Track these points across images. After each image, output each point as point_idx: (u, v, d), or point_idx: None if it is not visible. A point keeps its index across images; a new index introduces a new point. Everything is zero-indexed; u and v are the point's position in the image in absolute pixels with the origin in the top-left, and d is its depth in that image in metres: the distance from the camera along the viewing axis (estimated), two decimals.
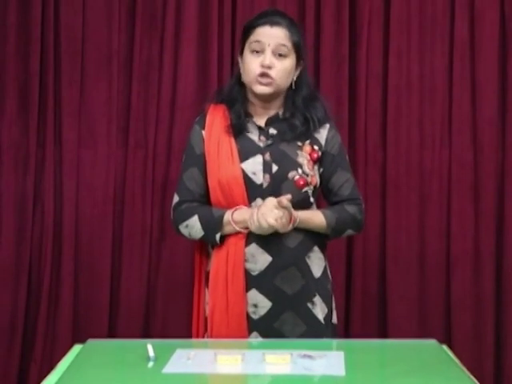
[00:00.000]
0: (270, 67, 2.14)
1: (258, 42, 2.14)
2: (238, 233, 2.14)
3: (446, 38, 3.31)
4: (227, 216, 2.14)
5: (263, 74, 2.14)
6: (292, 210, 2.09)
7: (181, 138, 3.24)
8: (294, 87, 2.22)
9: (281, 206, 2.05)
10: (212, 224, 2.15)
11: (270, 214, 2.04)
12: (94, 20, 3.30)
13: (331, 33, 3.28)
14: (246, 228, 2.12)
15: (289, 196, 2.06)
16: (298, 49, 2.18)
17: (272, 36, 2.14)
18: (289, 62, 2.17)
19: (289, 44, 2.15)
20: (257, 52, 2.15)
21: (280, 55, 2.15)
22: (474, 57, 3.29)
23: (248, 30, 2.19)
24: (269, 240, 2.12)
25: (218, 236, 2.15)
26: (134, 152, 3.31)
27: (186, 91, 3.29)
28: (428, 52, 3.31)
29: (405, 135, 3.30)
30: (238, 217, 2.13)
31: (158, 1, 3.31)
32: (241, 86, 2.24)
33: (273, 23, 2.15)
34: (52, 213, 3.28)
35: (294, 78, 2.22)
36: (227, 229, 2.15)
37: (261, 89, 2.16)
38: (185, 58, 3.29)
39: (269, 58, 2.13)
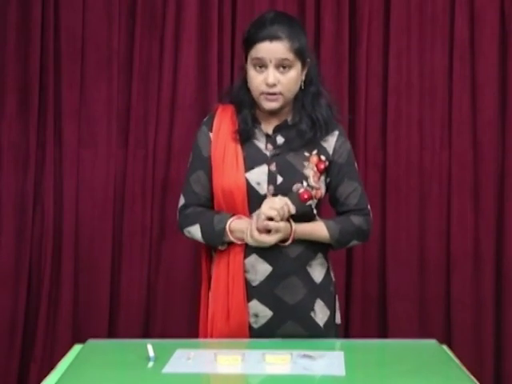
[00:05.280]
0: (274, 84, 2.07)
1: (258, 59, 2.07)
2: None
3: (446, 37, 3.31)
4: (227, 227, 2.10)
5: (269, 93, 2.08)
6: (292, 222, 2.07)
7: (181, 138, 3.26)
8: (302, 87, 2.15)
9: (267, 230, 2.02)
10: (212, 237, 2.13)
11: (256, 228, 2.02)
12: (94, 20, 3.30)
13: (331, 32, 3.28)
14: (242, 239, 2.10)
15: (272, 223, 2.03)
16: (301, 54, 2.09)
17: (273, 52, 2.05)
18: (294, 72, 2.09)
19: (291, 55, 2.06)
20: (259, 67, 2.08)
21: (284, 67, 2.07)
22: (474, 57, 3.29)
23: (248, 43, 2.10)
24: (269, 250, 2.08)
25: (218, 246, 2.14)
26: (134, 152, 3.31)
27: (186, 91, 3.29)
28: (428, 52, 3.31)
29: (405, 135, 3.30)
30: (235, 226, 2.10)
31: (158, 1, 3.31)
32: (248, 90, 2.15)
33: (272, 38, 2.05)
34: (52, 213, 3.29)
35: (303, 78, 2.14)
36: (227, 239, 2.12)
37: (268, 105, 2.10)
38: (185, 58, 3.29)
39: (272, 75, 2.06)
